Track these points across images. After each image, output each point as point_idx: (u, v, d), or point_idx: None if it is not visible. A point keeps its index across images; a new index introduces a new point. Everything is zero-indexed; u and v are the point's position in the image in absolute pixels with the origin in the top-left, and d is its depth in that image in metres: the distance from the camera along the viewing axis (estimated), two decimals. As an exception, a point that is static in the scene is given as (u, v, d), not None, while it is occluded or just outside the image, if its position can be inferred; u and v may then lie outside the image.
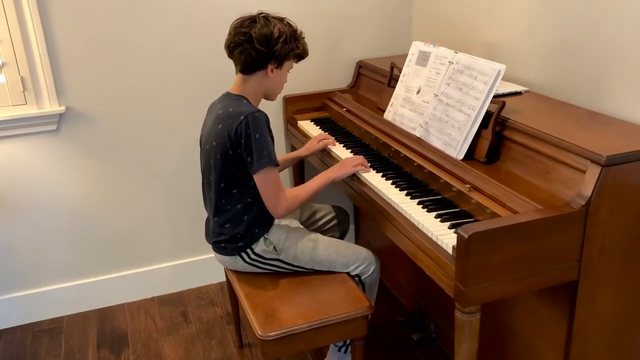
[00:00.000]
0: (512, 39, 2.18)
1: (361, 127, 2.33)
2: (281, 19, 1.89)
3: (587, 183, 1.45)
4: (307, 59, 2.69)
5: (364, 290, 2.00)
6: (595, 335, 1.60)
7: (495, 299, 1.48)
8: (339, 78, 2.83)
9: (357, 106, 2.48)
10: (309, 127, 2.56)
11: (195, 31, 2.51)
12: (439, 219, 1.66)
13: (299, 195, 1.92)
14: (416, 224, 1.66)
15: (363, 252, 1.99)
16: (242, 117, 1.79)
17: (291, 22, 1.93)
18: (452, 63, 1.97)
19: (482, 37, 2.34)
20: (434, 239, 1.58)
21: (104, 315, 2.68)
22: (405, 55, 2.24)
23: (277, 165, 1.84)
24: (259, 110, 1.84)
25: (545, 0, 1.99)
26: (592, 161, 1.45)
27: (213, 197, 1.92)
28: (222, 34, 1.92)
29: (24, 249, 2.55)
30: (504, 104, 1.76)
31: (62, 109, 2.38)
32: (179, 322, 2.61)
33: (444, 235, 1.55)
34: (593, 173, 1.44)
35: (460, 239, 1.38)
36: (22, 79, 2.30)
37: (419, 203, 1.76)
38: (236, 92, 1.92)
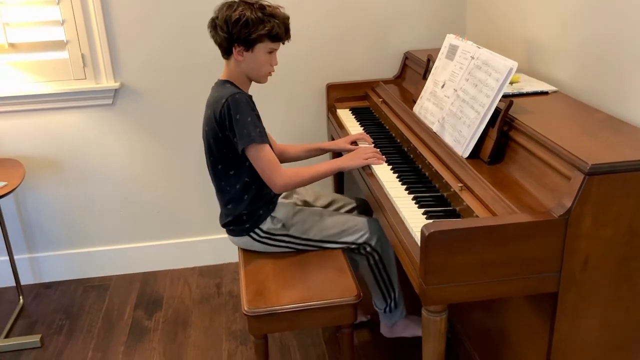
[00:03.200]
0: (552, 37, 2.06)
1: (391, 120, 2.32)
2: (252, 3, 1.87)
3: (570, 191, 1.37)
4: (355, 47, 2.75)
5: (381, 260, 2.05)
6: (577, 352, 1.51)
7: (461, 301, 1.45)
8: (388, 68, 2.81)
9: (392, 98, 2.46)
10: (345, 116, 2.58)
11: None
12: (425, 216, 1.64)
13: (299, 173, 1.94)
14: (402, 217, 1.66)
15: (370, 220, 2.05)
16: (223, 101, 1.86)
17: (266, 5, 1.89)
18: (473, 58, 1.92)
19: (525, 32, 2.24)
20: (412, 233, 1.57)
21: (147, 278, 2.89)
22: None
23: (261, 142, 1.86)
24: (240, 92, 1.89)
25: (587, 2, 1.87)
26: (578, 168, 1.37)
27: (213, 178, 2.02)
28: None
29: (81, 212, 2.80)
30: (511, 102, 1.69)
31: (117, 84, 2.58)
32: (212, 292, 2.75)
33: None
34: (576, 181, 1.36)
35: (422, 236, 1.37)
36: (83, 56, 2.52)
37: (413, 198, 1.74)
38: (223, 77, 1.99)
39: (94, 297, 2.76)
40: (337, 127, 2.52)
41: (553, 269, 1.42)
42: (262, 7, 1.89)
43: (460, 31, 2.76)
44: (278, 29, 1.89)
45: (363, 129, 2.38)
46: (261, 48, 1.90)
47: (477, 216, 1.52)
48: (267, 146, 1.89)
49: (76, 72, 2.55)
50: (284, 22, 1.93)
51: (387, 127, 2.37)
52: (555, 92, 1.95)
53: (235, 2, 1.90)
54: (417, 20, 2.75)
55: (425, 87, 2.21)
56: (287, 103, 2.77)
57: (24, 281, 2.81)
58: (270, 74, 2.00)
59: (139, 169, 2.78)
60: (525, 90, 1.94)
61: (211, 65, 2.64)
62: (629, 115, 1.68)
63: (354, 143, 2.22)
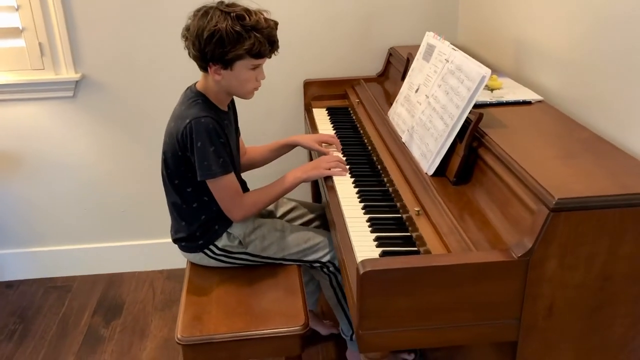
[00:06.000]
0: (542, 38, 1.84)
1: (364, 124, 2.12)
2: (229, 12, 1.59)
3: (532, 228, 1.17)
4: (338, 42, 2.54)
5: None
6: (539, 409, 1.32)
7: (404, 348, 1.27)
8: (373, 64, 2.59)
9: (369, 99, 2.26)
10: (320, 116, 2.38)
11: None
12: (376, 243, 1.44)
13: (259, 200, 1.78)
14: (350, 242, 1.46)
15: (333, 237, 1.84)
16: (187, 121, 1.65)
17: (246, 14, 1.61)
18: (448, 61, 1.70)
19: (515, 31, 2.01)
20: (358, 263, 1.37)
21: (112, 280, 2.74)
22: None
23: (223, 174, 1.67)
24: (206, 116, 1.65)
25: (587, 9, 1.64)
26: (543, 202, 1.17)
27: (168, 192, 1.83)
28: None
29: (43, 208, 2.65)
30: (480, 116, 1.48)
31: (78, 76, 2.40)
32: (176, 299, 2.59)
33: (365, 264, 1.34)
34: (540, 217, 1.16)
35: (356, 274, 1.18)
36: (40, 45, 2.35)
37: (369, 220, 1.55)
38: (199, 88, 1.76)
39: (53, 299, 2.62)
40: (310, 128, 2.32)
41: (512, 316, 1.23)
42: (242, 18, 1.60)
43: (452, 25, 2.53)
44: (260, 46, 1.62)
45: (335, 133, 2.18)
46: (242, 65, 1.65)
47: (427, 248, 1.33)
48: (229, 176, 1.69)
49: (34, 62, 2.38)
50: (269, 35, 1.65)
51: (361, 132, 2.17)
52: (540, 102, 1.73)
53: (211, 8, 1.62)
54: (406, 11, 2.52)
55: (401, 90, 2.01)
56: (263, 100, 2.57)
57: (-18, 279, 2.69)
58: (256, 89, 1.76)
59: (104, 165, 2.61)
60: (505, 99, 1.72)
61: (183, 54, 2.46)
62: (616, 134, 1.46)
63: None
